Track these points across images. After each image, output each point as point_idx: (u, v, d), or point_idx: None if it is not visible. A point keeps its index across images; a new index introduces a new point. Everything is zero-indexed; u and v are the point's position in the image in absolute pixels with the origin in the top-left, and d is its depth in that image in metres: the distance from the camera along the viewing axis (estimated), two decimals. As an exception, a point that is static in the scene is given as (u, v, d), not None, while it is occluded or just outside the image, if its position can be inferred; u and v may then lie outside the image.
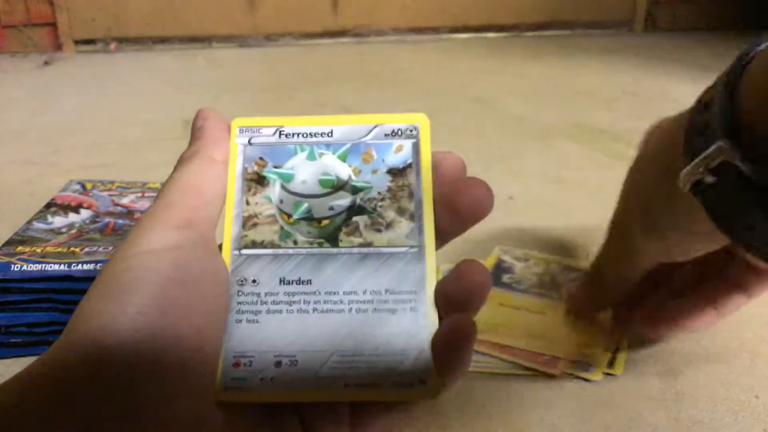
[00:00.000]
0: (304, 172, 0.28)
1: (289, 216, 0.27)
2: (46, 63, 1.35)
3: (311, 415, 0.26)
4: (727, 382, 0.37)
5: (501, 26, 1.69)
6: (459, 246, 0.30)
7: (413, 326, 0.25)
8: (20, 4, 1.42)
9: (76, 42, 1.48)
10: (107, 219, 0.47)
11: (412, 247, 0.26)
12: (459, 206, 0.26)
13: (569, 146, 0.82)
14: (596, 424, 0.34)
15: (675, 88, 1.13)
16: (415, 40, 1.63)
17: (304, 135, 0.28)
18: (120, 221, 0.46)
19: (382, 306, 0.26)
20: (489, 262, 0.50)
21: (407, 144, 0.28)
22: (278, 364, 0.25)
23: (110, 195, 0.50)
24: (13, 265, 0.38)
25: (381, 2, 1.64)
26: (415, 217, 0.27)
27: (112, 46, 1.49)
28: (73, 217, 0.47)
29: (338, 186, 0.27)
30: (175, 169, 0.26)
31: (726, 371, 0.38)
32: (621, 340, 0.40)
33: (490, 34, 1.68)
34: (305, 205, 0.27)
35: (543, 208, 0.62)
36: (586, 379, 0.37)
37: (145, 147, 0.81)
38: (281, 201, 0.27)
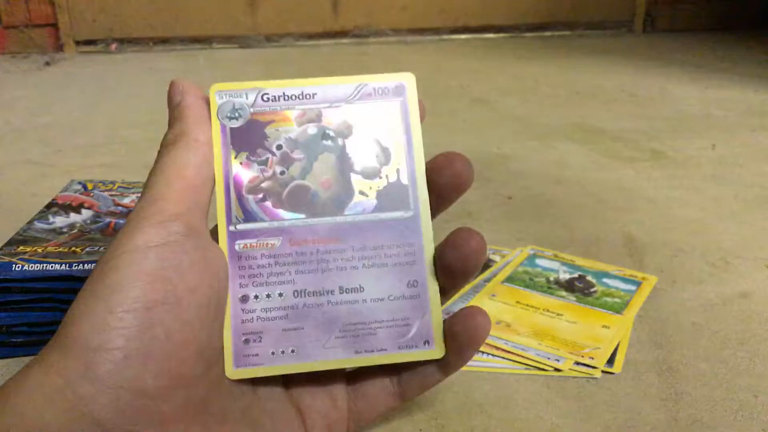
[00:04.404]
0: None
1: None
2: (48, 63, 1.35)
3: (300, 391, 0.26)
4: (726, 381, 0.37)
5: (500, 27, 1.70)
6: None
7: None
8: (21, 5, 1.43)
9: (77, 42, 1.48)
10: (108, 219, 0.47)
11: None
12: (438, 182, 0.26)
13: (569, 146, 0.82)
14: (595, 423, 0.34)
15: (674, 88, 1.13)
16: (414, 40, 1.63)
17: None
18: (121, 221, 0.46)
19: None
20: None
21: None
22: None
23: (111, 195, 0.51)
24: (14, 265, 0.39)
25: (381, 3, 1.64)
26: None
27: (113, 46, 1.49)
28: (74, 217, 0.47)
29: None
30: (160, 155, 0.25)
31: (725, 371, 0.38)
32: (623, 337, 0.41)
33: (490, 35, 1.68)
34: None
35: (543, 208, 0.63)
36: (588, 375, 0.37)
37: (146, 147, 0.81)
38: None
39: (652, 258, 0.52)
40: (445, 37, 1.66)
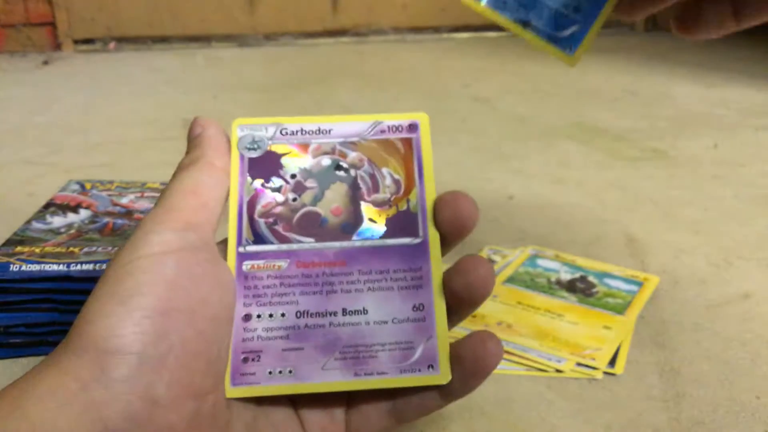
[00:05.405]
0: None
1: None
2: (46, 62, 1.35)
3: (307, 411, 0.26)
4: (728, 382, 0.37)
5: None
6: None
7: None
8: (19, 4, 1.42)
9: (76, 41, 1.48)
10: (106, 219, 0.46)
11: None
12: (440, 217, 0.26)
13: (570, 146, 0.82)
14: (597, 424, 0.34)
15: (676, 87, 1.13)
16: (415, 39, 1.63)
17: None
18: (119, 221, 0.46)
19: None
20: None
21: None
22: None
23: (109, 195, 0.50)
24: (12, 266, 0.38)
25: (381, 1, 1.63)
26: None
27: (112, 45, 1.49)
28: (72, 217, 0.47)
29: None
30: (175, 175, 0.26)
31: (727, 372, 0.38)
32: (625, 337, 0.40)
33: (491, 34, 1.68)
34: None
35: (543, 208, 0.62)
36: (590, 376, 0.37)
37: (144, 147, 0.81)
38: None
39: (653, 258, 0.52)
40: (445, 35, 1.66)
